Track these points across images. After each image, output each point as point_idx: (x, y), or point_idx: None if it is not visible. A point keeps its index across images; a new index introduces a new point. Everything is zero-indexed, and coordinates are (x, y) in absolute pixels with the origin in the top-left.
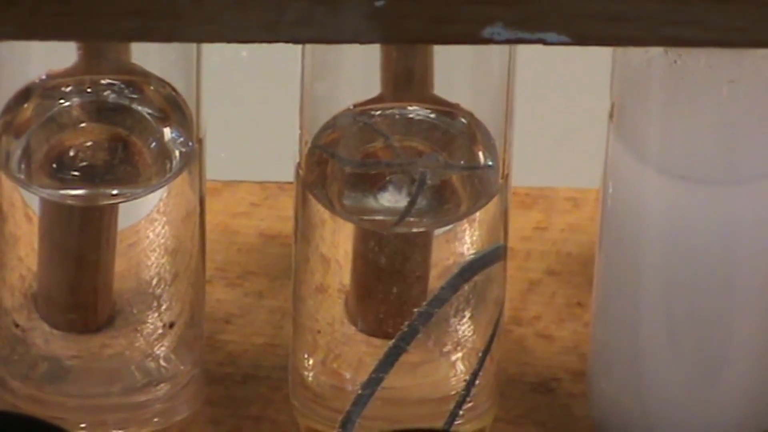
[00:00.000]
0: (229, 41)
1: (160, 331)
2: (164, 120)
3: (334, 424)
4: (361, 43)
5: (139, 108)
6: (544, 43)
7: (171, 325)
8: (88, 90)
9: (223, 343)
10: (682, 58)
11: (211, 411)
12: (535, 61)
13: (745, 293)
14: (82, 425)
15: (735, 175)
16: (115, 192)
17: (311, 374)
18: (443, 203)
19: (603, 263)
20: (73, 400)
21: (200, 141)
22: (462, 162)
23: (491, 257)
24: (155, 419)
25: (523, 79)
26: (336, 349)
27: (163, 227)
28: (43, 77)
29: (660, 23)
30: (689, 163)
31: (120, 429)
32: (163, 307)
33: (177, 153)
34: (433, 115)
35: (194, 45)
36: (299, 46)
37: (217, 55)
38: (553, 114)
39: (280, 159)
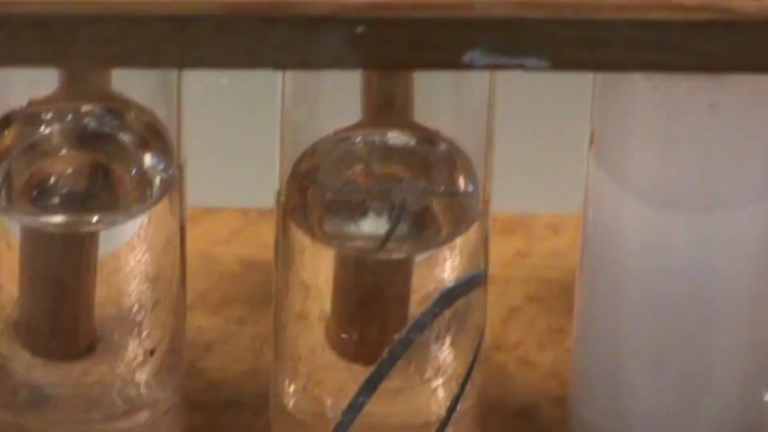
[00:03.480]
0: (210, 67)
1: (140, 358)
2: (145, 146)
3: None
4: (342, 68)
5: (120, 135)
6: (524, 68)
7: (152, 352)
8: (69, 117)
9: (204, 370)
10: (663, 83)
11: None
12: (516, 87)
13: (725, 318)
14: None
15: (715, 202)
16: (95, 219)
17: (292, 401)
18: (423, 229)
19: (584, 289)
20: (55, 427)
21: (181, 167)
22: (442, 188)
23: (471, 283)
24: None
25: (503, 105)
26: (317, 376)
27: (143, 254)
28: (24, 104)
29: (640, 49)
30: (669, 189)
31: None
32: (144, 334)
33: (157, 179)
34: (413, 142)
35: (175, 71)
36: (279, 73)
37: (198, 81)
38: (534, 140)
39: (261, 185)
